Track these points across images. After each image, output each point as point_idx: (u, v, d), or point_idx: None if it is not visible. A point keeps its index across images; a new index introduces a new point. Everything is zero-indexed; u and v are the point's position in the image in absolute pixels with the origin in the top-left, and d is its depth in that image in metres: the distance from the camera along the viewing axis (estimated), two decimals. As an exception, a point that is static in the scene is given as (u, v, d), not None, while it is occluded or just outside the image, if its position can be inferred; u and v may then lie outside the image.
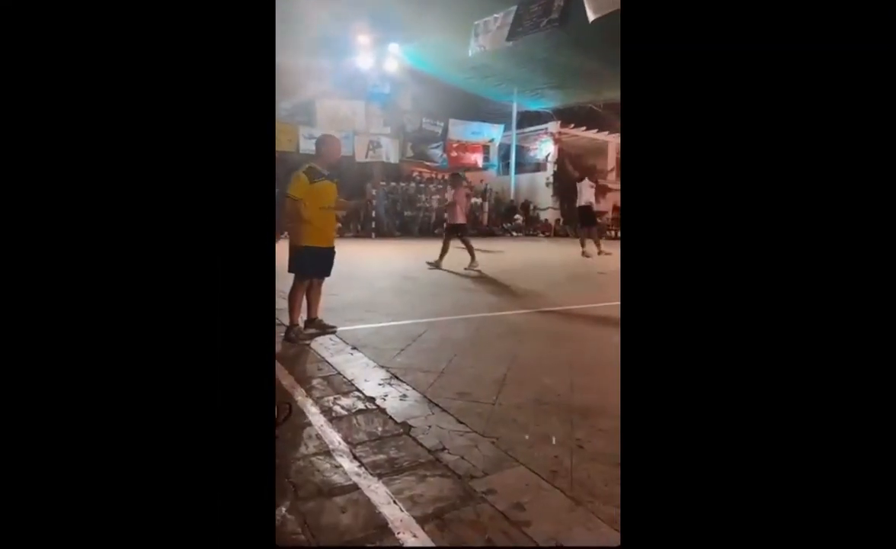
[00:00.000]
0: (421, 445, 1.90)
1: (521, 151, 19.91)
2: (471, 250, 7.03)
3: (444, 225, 7.78)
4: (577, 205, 8.91)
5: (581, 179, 8.82)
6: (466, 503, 1.52)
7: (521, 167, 20.02)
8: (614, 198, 19.11)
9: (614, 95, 16.56)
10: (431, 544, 1.33)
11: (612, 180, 20.43)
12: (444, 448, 1.87)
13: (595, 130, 19.78)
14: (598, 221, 16.95)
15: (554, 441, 1.94)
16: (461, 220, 7.42)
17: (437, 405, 2.27)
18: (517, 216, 18.47)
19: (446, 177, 18.13)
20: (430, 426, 2.06)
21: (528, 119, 19.35)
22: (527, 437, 1.98)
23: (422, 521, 1.42)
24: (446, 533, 1.38)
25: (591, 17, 8.63)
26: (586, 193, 8.39)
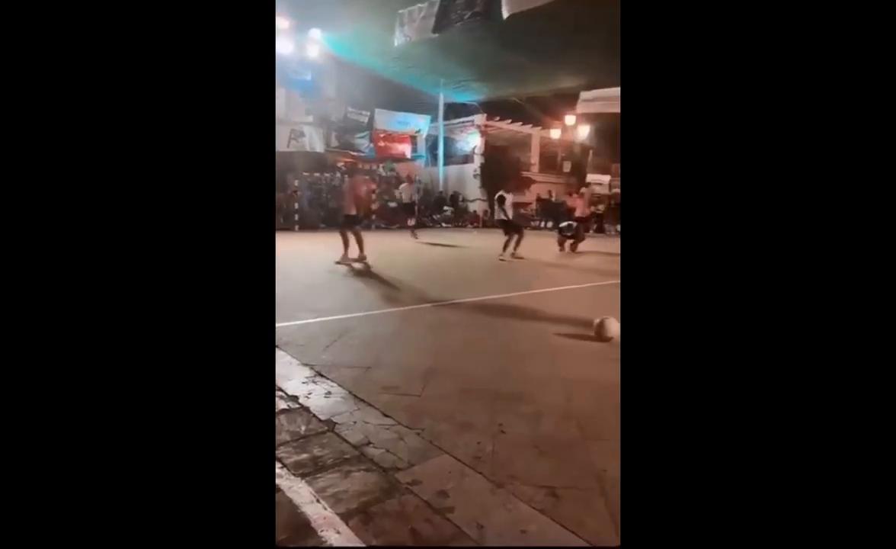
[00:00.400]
0: (346, 441, 1.88)
1: (448, 142, 20.05)
2: (360, 243, 7.02)
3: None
4: (496, 218, 9.19)
5: (496, 195, 9.10)
6: (391, 495, 1.53)
7: (449, 159, 20.19)
8: (538, 189, 19.79)
9: (537, 88, 17.11)
10: (357, 539, 1.34)
11: (536, 173, 21.11)
12: (369, 443, 1.87)
13: (520, 123, 20.33)
14: (523, 211, 17.47)
15: (477, 428, 2.00)
16: (353, 211, 7.42)
17: (362, 401, 2.26)
18: (446, 208, 18.64)
19: (374, 167, 17.92)
20: (355, 422, 2.05)
21: (455, 111, 19.53)
22: (451, 426, 2.02)
23: (346, 517, 1.42)
24: (370, 527, 1.38)
25: (505, 13, 8.82)
26: (499, 210, 8.69)
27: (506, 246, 8.33)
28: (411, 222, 12.26)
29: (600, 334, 3.37)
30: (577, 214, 14.35)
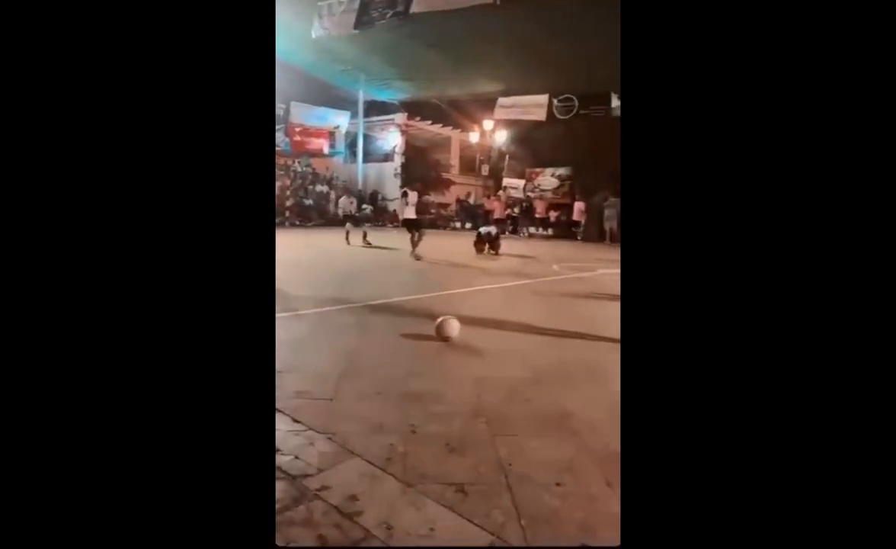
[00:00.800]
0: (252, 449, 1.82)
1: (368, 140, 19.81)
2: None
3: None
4: (402, 217, 9.29)
5: (404, 195, 9.21)
6: (299, 502, 1.51)
7: (368, 157, 19.95)
8: (458, 191, 20.15)
9: (457, 91, 17.40)
10: (259, 550, 1.30)
11: (455, 174, 21.48)
12: (277, 450, 1.81)
13: (440, 125, 20.56)
14: (432, 213, 17.66)
15: (389, 429, 2.02)
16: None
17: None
18: (365, 206, 18.39)
19: (289, 163, 17.25)
20: (263, 429, 1.98)
21: (376, 108, 19.34)
22: (363, 429, 2.02)
23: (250, 528, 1.37)
24: (277, 537, 1.35)
25: (413, 8, 8.89)
26: (407, 209, 8.83)
27: (413, 244, 8.41)
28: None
29: (440, 334, 3.40)
30: (496, 216, 14.79)
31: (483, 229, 10.26)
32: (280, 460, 1.75)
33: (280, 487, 1.59)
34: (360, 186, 19.30)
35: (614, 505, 1.54)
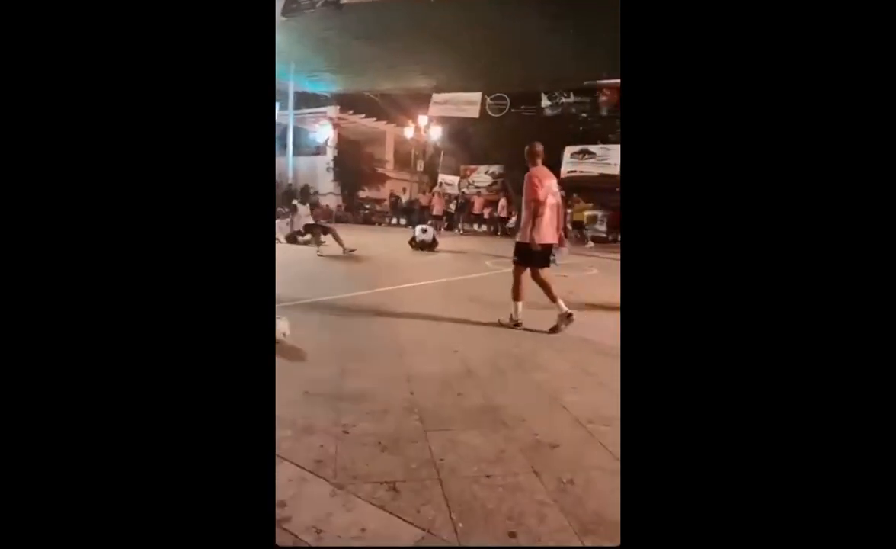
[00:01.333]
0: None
1: (299, 132, 19.19)
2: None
3: None
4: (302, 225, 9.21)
5: (293, 210, 9.19)
6: (223, 512, 1.45)
7: (299, 150, 19.33)
8: (392, 186, 20.01)
9: (391, 85, 17.25)
10: None
11: (390, 169, 21.31)
12: (199, 459, 1.73)
13: (374, 119, 20.31)
14: (378, 207, 17.45)
15: (320, 431, 1.98)
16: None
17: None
18: (295, 201, 17.80)
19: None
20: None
21: (306, 100, 18.76)
22: (293, 431, 1.97)
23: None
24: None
25: None
26: (302, 218, 8.83)
27: (339, 242, 8.28)
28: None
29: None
30: (435, 212, 14.82)
31: (419, 231, 10.05)
32: (202, 469, 1.67)
33: (202, 497, 1.52)
34: (290, 180, 18.65)
35: (540, 495, 1.61)
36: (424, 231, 10.04)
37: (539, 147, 3.90)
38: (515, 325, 3.89)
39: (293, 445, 1.86)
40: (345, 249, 8.18)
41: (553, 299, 3.87)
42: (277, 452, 1.80)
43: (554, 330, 3.75)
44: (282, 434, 1.94)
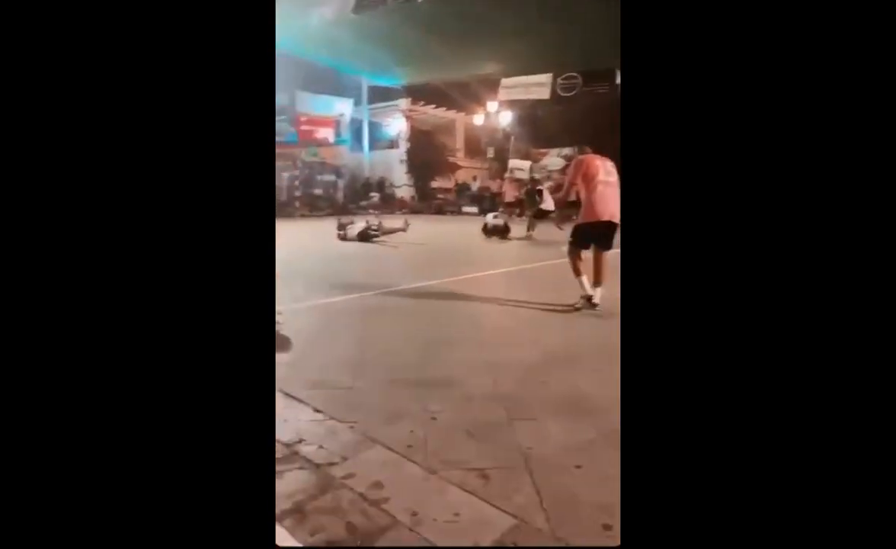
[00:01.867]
0: (277, 440, 1.86)
1: (373, 126, 19.73)
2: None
3: None
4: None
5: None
6: (326, 491, 1.55)
7: (374, 143, 19.88)
8: (463, 174, 20.03)
9: (460, 74, 17.24)
10: (291, 538, 1.34)
11: (461, 158, 21.33)
12: (301, 440, 1.86)
13: (444, 109, 20.40)
14: (438, 198, 17.47)
15: (409, 417, 2.05)
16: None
17: (291, 397, 2.23)
18: (373, 194, 18.39)
19: (297, 152, 17.25)
20: (285, 420, 2.02)
21: (379, 95, 19.22)
22: (383, 417, 2.06)
23: (280, 518, 1.41)
24: (306, 525, 1.39)
25: None
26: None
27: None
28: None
29: None
30: (507, 199, 14.62)
31: (490, 218, 10.03)
32: (304, 449, 1.79)
33: (305, 476, 1.63)
34: (366, 174, 19.27)
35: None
36: (496, 217, 10.04)
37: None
38: (589, 300, 3.88)
39: (385, 429, 1.95)
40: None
41: (598, 282, 3.90)
42: (371, 435, 1.90)
43: (589, 300, 3.88)
44: (373, 419, 2.03)
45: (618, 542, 0.98)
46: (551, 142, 17.83)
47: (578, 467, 1.68)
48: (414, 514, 1.44)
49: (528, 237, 9.46)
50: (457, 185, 19.61)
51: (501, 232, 9.63)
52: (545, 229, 8.89)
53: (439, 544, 1.32)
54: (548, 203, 9.58)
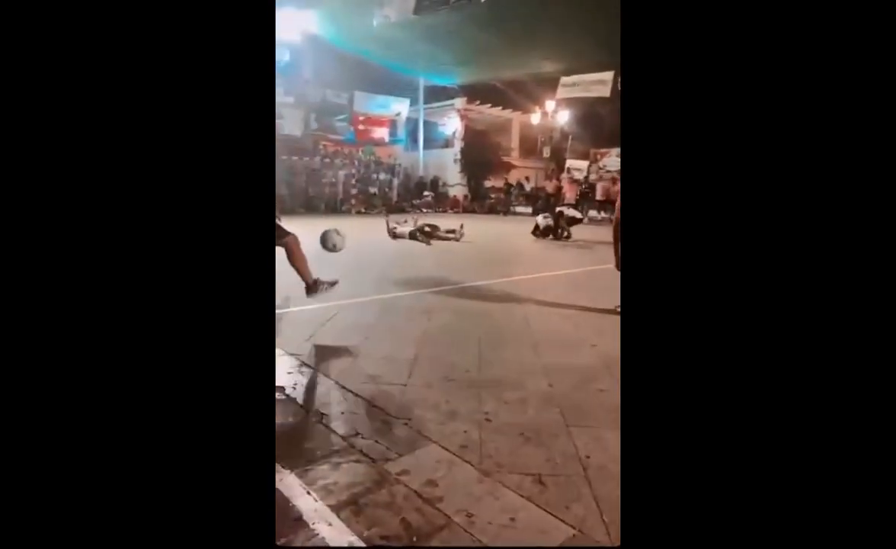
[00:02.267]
0: (334, 432, 1.90)
1: (428, 126, 19.91)
2: None
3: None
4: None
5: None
6: (381, 486, 1.56)
7: (428, 143, 20.05)
8: (517, 174, 19.82)
9: (517, 73, 17.06)
10: (348, 531, 1.36)
11: (515, 157, 21.10)
12: (357, 434, 1.88)
13: (500, 108, 20.27)
14: (491, 198, 17.29)
15: (462, 416, 2.04)
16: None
17: (349, 391, 2.27)
18: (427, 193, 18.56)
19: (354, 151, 17.70)
20: (342, 412, 2.06)
21: (435, 94, 19.36)
22: (437, 415, 2.05)
23: (336, 509, 1.44)
24: (361, 518, 1.41)
25: None
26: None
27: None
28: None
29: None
30: (567, 200, 14.42)
31: (540, 219, 9.93)
32: (360, 443, 1.82)
33: (361, 470, 1.65)
34: (420, 173, 19.47)
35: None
36: (546, 217, 9.93)
37: None
38: None
39: (439, 428, 1.94)
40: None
41: None
42: (425, 433, 1.90)
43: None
44: (428, 417, 2.03)
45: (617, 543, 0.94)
46: (611, 141, 17.30)
47: (640, 480, 1.61)
48: (469, 515, 1.42)
49: (565, 238, 9.38)
50: (507, 184, 19.37)
51: (554, 232, 9.50)
52: (597, 231, 8.61)
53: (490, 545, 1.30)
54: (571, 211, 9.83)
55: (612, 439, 1.87)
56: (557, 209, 10.12)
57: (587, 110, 17.36)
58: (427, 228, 8.68)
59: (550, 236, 9.51)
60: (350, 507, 1.45)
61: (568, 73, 15.71)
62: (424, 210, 16.87)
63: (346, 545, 1.33)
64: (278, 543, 1.31)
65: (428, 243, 8.23)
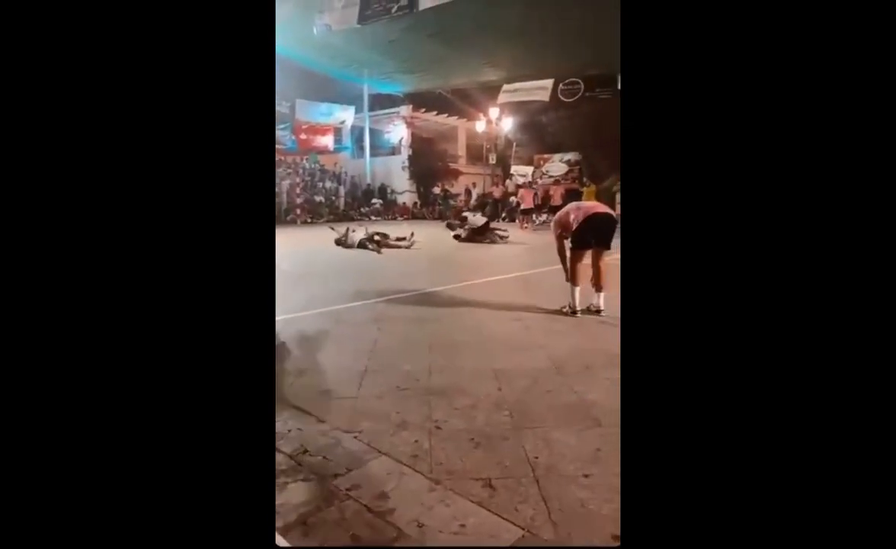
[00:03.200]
0: (280, 451, 1.84)
1: (374, 134, 19.78)
2: None
3: None
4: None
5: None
6: (330, 503, 1.53)
7: (375, 150, 19.92)
8: (465, 180, 20.05)
9: (461, 80, 17.27)
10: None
11: (463, 164, 21.34)
12: (305, 451, 1.84)
13: (445, 115, 20.44)
14: (452, 202, 17.58)
15: (413, 426, 2.03)
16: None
17: (297, 407, 2.22)
18: (375, 201, 18.42)
19: (297, 160, 17.30)
20: (289, 430, 2.01)
21: (381, 102, 19.27)
22: (388, 426, 2.04)
23: (284, 531, 1.39)
24: (311, 538, 1.37)
25: (422, 5, 8.92)
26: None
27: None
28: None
29: None
30: (524, 206, 14.75)
31: (470, 217, 10.26)
32: (308, 460, 1.78)
33: (310, 488, 1.61)
34: (368, 181, 19.31)
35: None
36: (475, 216, 10.29)
37: None
38: (573, 312, 3.92)
39: (390, 439, 1.93)
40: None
41: (599, 287, 3.94)
42: (375, 445, 1.88)
43: (573, 312, 3.90)
44: (378, 428, 2.02)
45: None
46: (554, 148, 17.85)
47: (586, 476, 1.66)
48: (420, 525, 1.42)
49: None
50: (443, 190, 19.45)
51: (484, 232, 9.78)
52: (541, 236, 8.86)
53: (446, 556, 1.31)
54: (477, 219, 10.14)
55: (559, 439, 1.92)
56: (462, 214, 10.39)
57: (530, 118, 17.84)
58: (377, 237, 8.60)
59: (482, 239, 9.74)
60: (299, 527, 1.41)
61: (510, 81, 16.10)
62: (373, 218, 16.73)
63: (345, 544, 1.30)
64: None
65: (378, 252, 8.15)
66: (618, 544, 1.35)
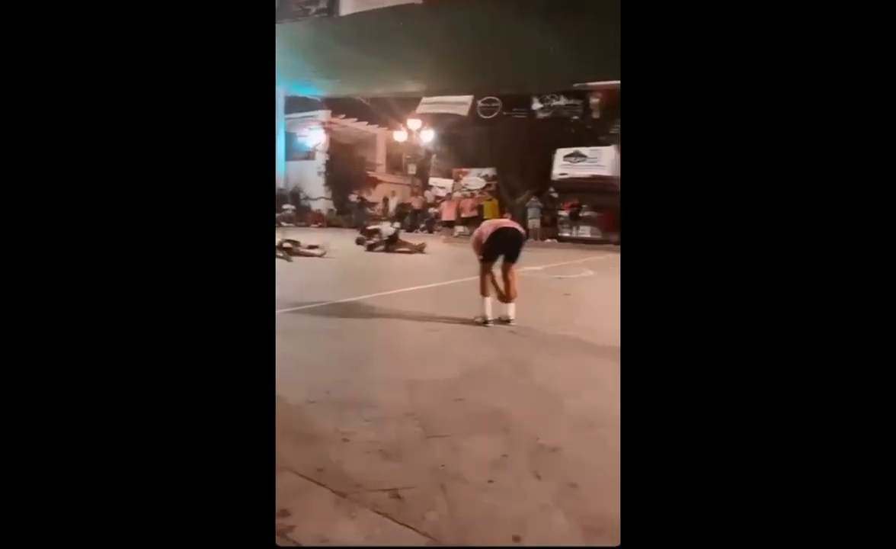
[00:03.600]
0: (172, 471, 1.71)
1: (289, 137, 19.10)
2: None
3: None
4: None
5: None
6: (226, 523, 1.44)
7: (289, 154, 19.23)
8: (383, 189, 19.97)
9: (381, 89, 17.25)
10: None
11: (382, 173, 21.26)
12: (200, 470, 1.72)
13: (365, 123, 20.27)
14: (369, 210, 17.50)
15: (321, 440, 1.98)
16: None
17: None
18: (287, 206, 17.73)
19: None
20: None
21: (297, 105, 18.69)
22: (294, 441, 1.96)
23: None
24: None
25: (342, 11, 8.88)
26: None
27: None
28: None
29: None
30: (445, 217, 15.02)
31: (384, 228, 10.36)
32: (204, 480, 1.66)
33: (204, 509, 1.51)
34: (281, 185, 18.56)
35: (544, 499, 1.62)
36: (386, 227, 10.50)
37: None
38: (484, 323, 4.05)
39: (295, 454, 1.86)
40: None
41: (508, 298, 4.11)
42: (280, 461, 1.80)
43: (484, 322, 4.01)
44: (284, 443, 1.93)
45: (618, 542, 0.98)
46: (472, 162, 18.33)
47: (491, 481, 1.71)
48: (324, 540, 1.38)
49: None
50: (358, 198, 19.25)
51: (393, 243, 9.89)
52: (460, 247, 9.06)
53: (349, 571, 1.28)
54: (386, 229, 10.39)
55: (467, 446, 1.97)
56: (371, 227, 10.59)
57: (449, 132, 18.21)
58: (287, 244, 8.28)
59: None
60: None
61: (430, 94, 16.36)
62: (284, 224, 16.07)
63: (347, 544, 1.28)
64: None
65: (289, 260, 7.84)
66: (518, 543, 1.40)
